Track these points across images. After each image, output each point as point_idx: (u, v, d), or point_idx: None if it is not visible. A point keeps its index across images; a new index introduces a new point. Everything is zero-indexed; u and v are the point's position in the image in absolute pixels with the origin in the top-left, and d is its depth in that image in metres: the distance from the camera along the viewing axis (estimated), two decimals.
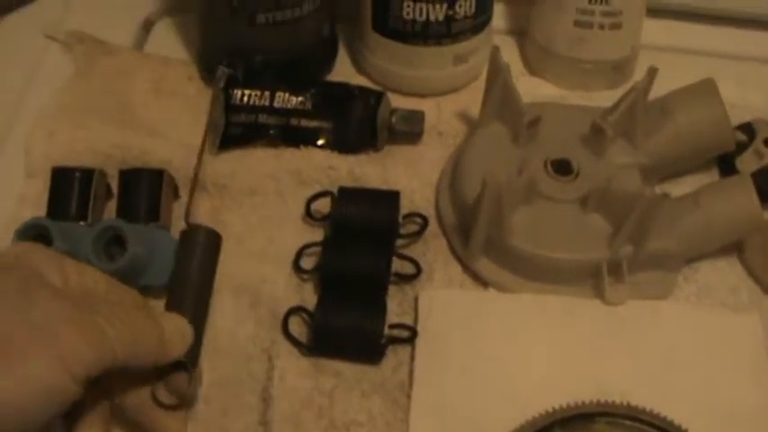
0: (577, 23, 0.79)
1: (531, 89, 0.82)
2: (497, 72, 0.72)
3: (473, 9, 0.77)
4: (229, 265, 0.69)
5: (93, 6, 0.89)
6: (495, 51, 0.72)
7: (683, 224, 0.68)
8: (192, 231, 0.66)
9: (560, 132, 0.73)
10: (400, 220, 0.71)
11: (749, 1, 0.88)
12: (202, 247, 0.66)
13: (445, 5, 0.76)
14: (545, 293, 0.68)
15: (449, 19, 0.77)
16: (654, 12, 0.84)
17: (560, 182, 0.70)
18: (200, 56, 0.82)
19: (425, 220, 0.71)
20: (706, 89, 0.73)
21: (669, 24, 0.89)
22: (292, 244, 0.70)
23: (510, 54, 0.86)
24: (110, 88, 0.80)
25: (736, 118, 0.77)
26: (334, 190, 0.71)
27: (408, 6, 0.76)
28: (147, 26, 0.89)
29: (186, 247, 0.66)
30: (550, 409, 0.61)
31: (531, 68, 0.85)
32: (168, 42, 0.87)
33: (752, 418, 0.63)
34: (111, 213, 0.71)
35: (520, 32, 0.87)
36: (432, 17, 0.76)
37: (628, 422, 0.62)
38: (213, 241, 0.67)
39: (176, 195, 0.73)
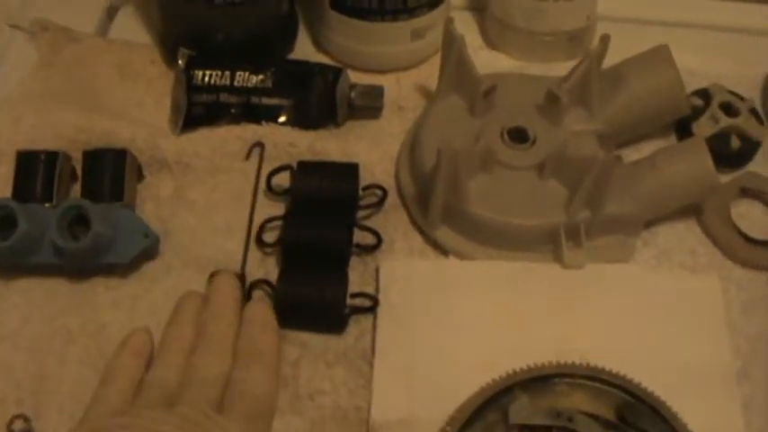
0: None
1: (491, 62, 0.83)
2: (452, 43, 0.72)
3: None
4: (195, 242, 0.70)
5: None
6: (449, 23, 0.73)
7: (640, 187, 0.69)
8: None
9: (517, 101, 0.74)
10: (360, 192, 0.71)
11: None
12: None
13: None
14: (505, 259, 0.69)
15: None
16: None
17: (517, 149, 0.71)
18: (162, 39, 0.83)
19: (385, 192, 0.72)
20: (659, 55, 0.74)
21: None
22: (255, 219, 0.71)
23: (470, 29, 0.87)
24: (74, 74, 0.81)
25: (694, 84, 0.79)
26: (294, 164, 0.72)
27: None
28: (111, 13, 0.89)
29: None
30: (511, 372, 0.62)
31: (491, 42, 0.86)
32: (131, 28, 0.87)
33: (709, 373, 0.65)
34: (76, 195, 0.71)
35: (479, 8, 0.88)
36: None
37: (588, 382, 0.63)
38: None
39: (140, 175, 0.73)
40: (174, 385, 0.60)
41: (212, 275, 0.67)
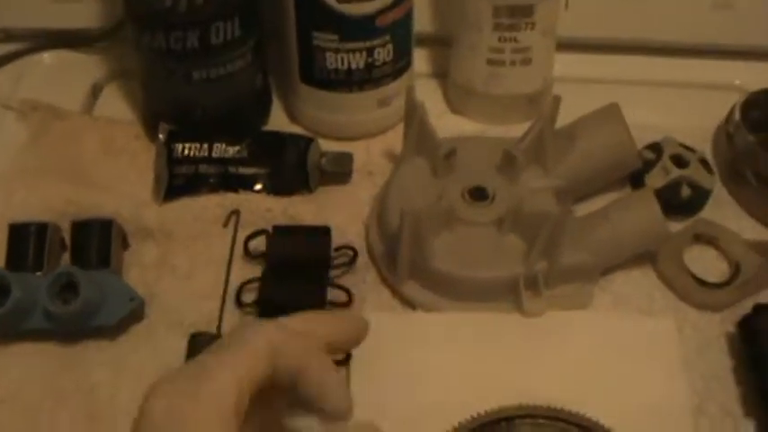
0: (490, 62, 0.85)
1: (455, 126, 0.88)
2: (413, 110, 0.77)
3: (391, 55, 0.83)
4: (178, 304, 0.75)
5: (44, 75, 0.95)
6: (410, 91, 0.78)
7: (594, 238, 0.73)
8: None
9: (476, 162, 0.78)
10: (332, 252, 0.76)
11: (657, 31, 0.94)
12: None
13: (365, 53, 0.82)
14: (469, 311, 0.73)
15: (369, 66, 0.83)
16: (565, 46, 0.90)
17: (477, 207, 0.75)
18: (144, 115, 0.88)
19: (355, 252, 0.76)
20: (609, 113, 0.79)
21: (581, 57, 0.95)
22: (234, 281, 0.75)
23: (434, 95, 0.92)
24: (62, 150, 0.86)
25: (648, 138, 0.84)
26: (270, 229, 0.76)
27: (331, 57, 0.82)
28: (96, 91, 0.95)
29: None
30: (476, 415, 0.66)
31: (454, 107, 0.91)
32: (115, 105, 0.93)
33: (667, 411, 0.68)
34: (66, 263, 0.76)
35: (442, 75, 0.93)
36: (353, 65, 0.82)
37: (549, 422, 0.66)
38: None
39: (126, 243, 0.78)
40: None
41: (193, 336, 0.70)
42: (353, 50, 0.81)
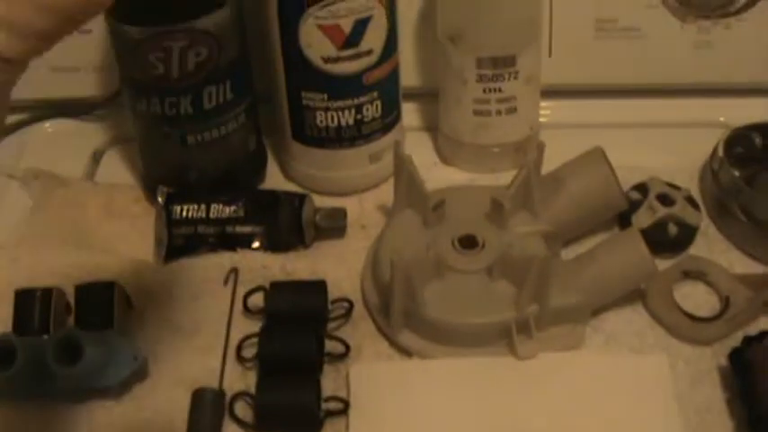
0: (476, 112, 0.87)
1: (446, 176, 0.90)
2: (401, 164, 0.79)
3: (380, 111, 0.85)
4: (181, 362, 0.76)
5: (46, 144, 0.99)
6: (397, 146, 0.80)
7: (582, 279, 0.75)
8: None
9: (465, 211, 0.80)
10: (329, 305, 0.78)
11: (640, 73, 0.96)
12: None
13: (353, 111, 0.84)
14: (464, 356, 0.75)
15: (358, 123, 0.85)
16: (550, 92, 0.92)
17: (467, 255, 0.77)
18: (144, 179, 0.90)
19: (351, 304, 0.78)
20: (593, 157, 0.81)
21: (566, 102, 0.97)
22: (234, 337, 0.77)
23: (424, 147, 0.95)
24: (65, 216, 0.88)
25: (634, 179, 0.86)
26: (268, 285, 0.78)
27: (321, 115, 0.84)
28: (97, 157, 0.97)
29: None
30: None
31: (444, 158, 0.93)
32: (116, 170, 0.95)
33: None
34: (71, 326, 0.78)
35: (432, 127, 0.96)
36: (343, 122, 0.85)
37: None
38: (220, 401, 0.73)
39: (129, 304, 0.80)
40: None
41: (196, 391, 0.72)
42: (342, 108, 0.84)
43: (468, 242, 0.78)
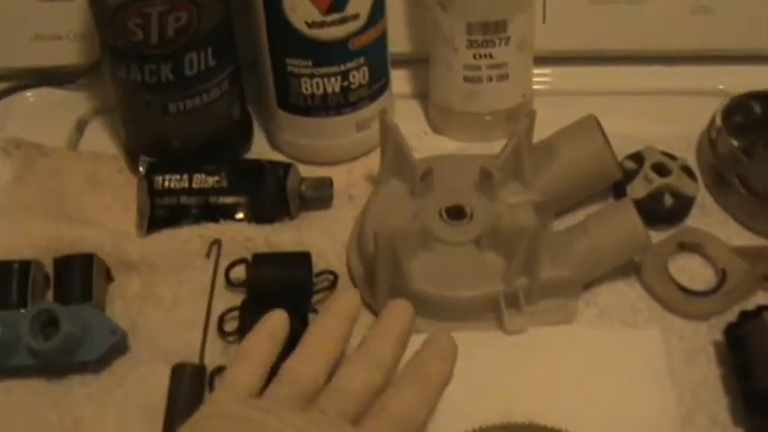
0: (467, 79, 0.85)
1: (437, 145, 0.88)
2: (387, 132, 0.77)
3: (367, 78, 0.83)
4: (162, 336, 0.75)
5: (29, 113, 0.96)
6: (383, 114, 0.78)
7: (574, 251, 0.73)
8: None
9: (454, 181, 0.78)
10: (313, 278, 0.76)
11: (637, 39, 0.94)
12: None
13: (340, 78, 0.82)
14: (451, 330, 0.72)
15: (345, 89, 0.83)
16: (544, 59, 0.90)
17: (454, 226, 0.75)
18: (126, 148, 0.88)
19: (336, 276, 0.76)
20: (586, 125, 0.79)
21: (561, 69, 0.95)
22: (216, 310, 0.75)
23: (415, 115, 0.92)
24: (47, 187, 0.86)
25: (630, 148, 0.84)
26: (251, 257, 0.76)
27: (305, 82, 0.82)
28: (80, 127, 0.95)
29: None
30: None
31: (435, 127, 0.91)
32: (100, 139, 0.93)
33: (655, 423, 0.68)
34: (49, 299, 0.76)
35: (423, 95, 0.93)
36: (328, 89, 0.82)
37: None
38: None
39: (109, 277, 0.78)
40: (311, 383, 0.59)
41: (176, 366, 0.70)
42: (328, 75, 0.82)
43: (457, 213, 0.76)
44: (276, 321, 0.65)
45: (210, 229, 0.81)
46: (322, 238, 0.80)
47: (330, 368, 0.62)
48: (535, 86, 0.91)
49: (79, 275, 0.76)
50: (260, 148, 0.90)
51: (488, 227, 0.74)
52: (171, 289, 0.78)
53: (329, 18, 0.79)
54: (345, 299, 0.66)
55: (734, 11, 0.91)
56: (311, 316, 0.73)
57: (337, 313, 0.65)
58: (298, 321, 0.71)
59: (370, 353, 0.61)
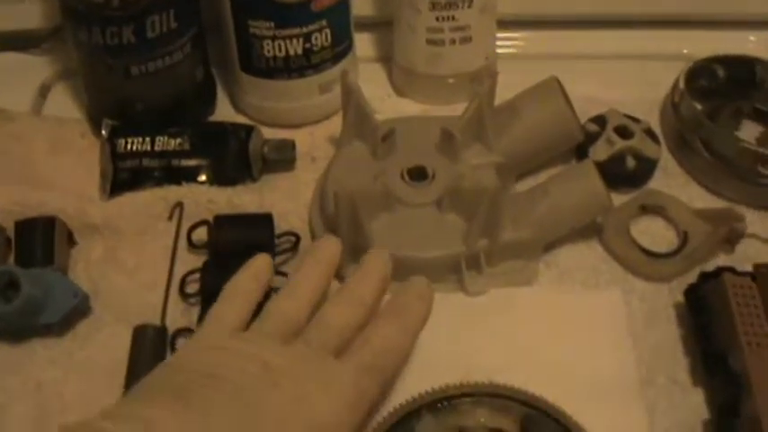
0: (429, 41, 0.84)
1: (400, 108, 0.88)
2: (349, 93, 0.77)
3: (329, 40, 0.83)
4: (125, 298, 0.75)
5: None
6: (344, 75, 0.77)
7: (534, 213, 0.74)
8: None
9: (416, 143, 0.78)
10: (275, 239, 0.76)
11: (603, 3, 0.94)
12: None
13: (302, 40, 0.81)
14: None
15: (307, 52, 0.82)
16: (508, 23, 0.90)
17: (416, 187, 0.75)
18: (89, 112, 0.88)
19: (298, 238, 0.76)
20: (547, 86, 0.79)
21: (525, 33, 0.96)
22: (179, 272, 0.75)
23: (379, 78, 0.92)
24: (10, 151, 0.86)
25: (594, 111, 0.84)
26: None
27: (268, 45, 0.82)
28: (44, 91, 0.95)
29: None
30: (417, 395, 0.66)
31: (399, 90, 0.91)
32: (64, 103, 0.93)
33: (615, 384, 0.68)
34: (11, 263, 0.76)
35: (386, 58, 0.93)
36: (291, 52, 0.82)
37: (489, 399, 0.66)
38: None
39: (72, 241, 0.78)
40: (295, 319, 0.61)
41: (137, 328, 0.70)
42: (290, 37, 0.81)
43: (418, 174, 0.76)
44: (261, 264, 0.66)
45: (173, 192, 0.81)
46: (284, 199, 0.81)
47: (313, 307, 0.63)
48: (499, 50, 0.91)
49: (41, 238, 0.75)
50: (224, 112, 0.90)
51: (450, 188, 0.74)
52: (133, 252, 0.78)
53: None
54: (328, 245, 0.68)
55: None
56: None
57: (320, 259, 0.66)
58: None
59: (353, 292, 0.64)
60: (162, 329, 0.72)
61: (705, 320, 0.70)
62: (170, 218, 0.79)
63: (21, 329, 0.72)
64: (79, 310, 0.73)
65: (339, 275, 0.74)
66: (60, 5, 0.81)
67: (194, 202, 0.79)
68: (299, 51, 0.82)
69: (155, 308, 0.74)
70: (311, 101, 0.86)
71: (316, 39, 0.82)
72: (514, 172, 0.79)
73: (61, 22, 0.88)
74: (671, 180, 0.83)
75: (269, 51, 0.82)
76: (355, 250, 0.73)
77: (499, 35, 0.90)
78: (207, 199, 0.80)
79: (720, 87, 0.87)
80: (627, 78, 0.91)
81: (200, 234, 0.77)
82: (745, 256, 0.76)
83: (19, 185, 0.81)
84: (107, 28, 0.78)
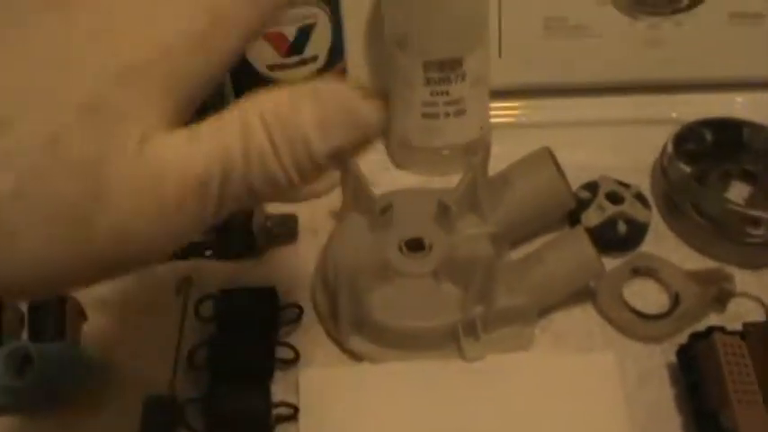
0: (425, 115, 0.87)
1: (398, 180, 0.91)
2: (347, 170, 0.80)
3: None
4: (136, 370, 0.77)
5: None
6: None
7: (529, 279, 0.76)
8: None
9: (413, 215, 0.81)
10: (279, 312, 0.78)
11: (592, 72, 0.97)
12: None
13: None
14: (412, 360, 0.76)
15: None
16: (501, 93, 0.93)
17: (414, 258, 0.78)
18: None
19: (301, 309, 0.79)
20: (539, 157, 0.81)
21: (517, 103, 0.98)
22: (187, 344, 0.78)
23: (377, 152, 0.95)
24: None
25: (585, 177, 0.87)
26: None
27: None
28: None
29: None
30: None
31: (396, 162, 0.94)
32: None
33: None
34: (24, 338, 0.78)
35: (384, 132, 0.95)
36: None
37: None
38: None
39: (84, 316, 0.80)
40: None
41: (147, 399, 0.73)
42: None
43: (416, 245, 0.79)
44: None
45: (181, 267, 0.83)
46: (288, 272, 0.83)
47: None
48: (493, 120, 0.94)
49: (53, 314, 0.78)
50: None
51: (446, 258, 0.76)
52: (143, 325, 0.80)
53: (289, 60, 0.82)
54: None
55: (684, 42, 0.94)
56: (278, 349, 0.76)
57: None
58: (262, 352, 0.74)
59: None
60: (172, 399, 0.74)
61: (697, 380, 0.72)
62: (178, 292, 0.81)
63: (34, 402, 0.75)
64: (91, 382, 0.76)
65: (341, 347, 0.76)
66: None
67: (201, 276, 0.82)
68: None
69: (164, 379, 0.76)
70: None
71: None
72: (509, 240, 0.82)
73: None
74: (662, 242, 0.85)
75: None
76: (356, 321, 0.76)
77: (493, 105, 0.93)
78: (213, 273, 0.82)
79: (708, 150, 0.89)
80: (618, 144, 0.94)
81: (208, 307, 0.79)
82: (735, 315, 0.78)
83: None
84: None
